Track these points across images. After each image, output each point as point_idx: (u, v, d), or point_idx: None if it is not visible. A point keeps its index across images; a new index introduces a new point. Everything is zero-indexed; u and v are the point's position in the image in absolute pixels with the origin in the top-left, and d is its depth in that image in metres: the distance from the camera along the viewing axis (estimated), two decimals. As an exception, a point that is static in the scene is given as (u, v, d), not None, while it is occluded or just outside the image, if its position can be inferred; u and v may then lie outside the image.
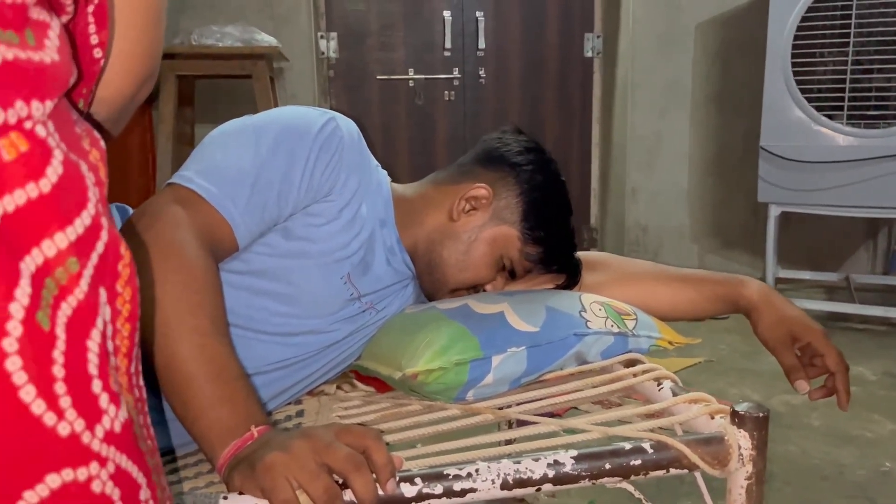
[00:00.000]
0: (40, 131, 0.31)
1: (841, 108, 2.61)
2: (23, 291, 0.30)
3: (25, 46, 0.31)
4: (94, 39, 0.41)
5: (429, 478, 0.61)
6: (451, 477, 0.62)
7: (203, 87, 3.20)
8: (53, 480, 0.31)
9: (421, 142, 3.64)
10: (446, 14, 3.54)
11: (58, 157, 0.32)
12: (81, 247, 0.33)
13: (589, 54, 3.67)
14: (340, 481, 0.57)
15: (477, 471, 0.63)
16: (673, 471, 0.67)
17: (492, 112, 3.66)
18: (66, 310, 0.32)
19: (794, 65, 2.66)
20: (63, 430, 0.31)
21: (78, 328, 0.32)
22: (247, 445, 0.60)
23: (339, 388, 0.98)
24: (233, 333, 0.76)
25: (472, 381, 0.84)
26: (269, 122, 0.86)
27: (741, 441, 0.68)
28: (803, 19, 2.63)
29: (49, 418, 0.31)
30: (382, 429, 0.79)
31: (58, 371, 0.31)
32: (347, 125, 0.91)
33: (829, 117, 2.63)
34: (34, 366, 0.30)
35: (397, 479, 0.59)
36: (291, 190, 0.83)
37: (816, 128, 2.65)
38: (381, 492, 0.58)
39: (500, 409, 0.84)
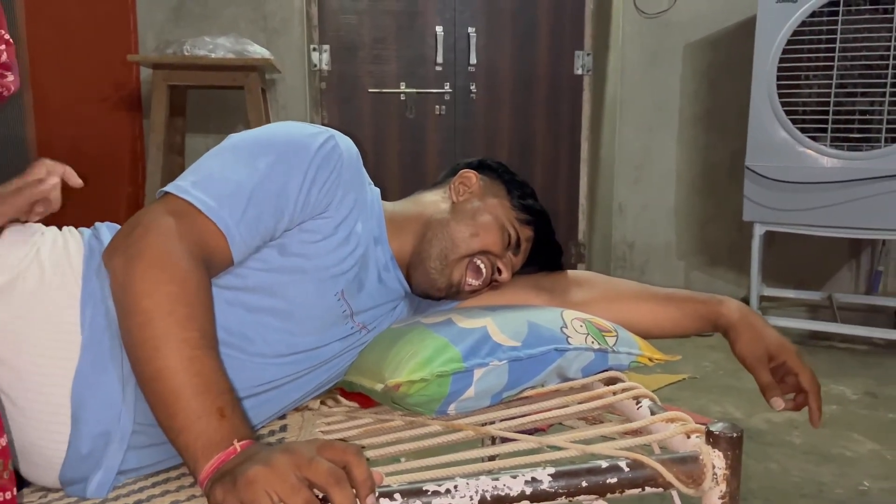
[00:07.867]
0: None
1: (825, 131, 2.65)
2: None
3: None
4: None
5: (408, 493, 0.62)
6: (429, 493, 0.63)
7: (194, 97, 3.20)
8: None
9: (412, 155, 3.65)
10: (438, 29, 3.57)
11: None
12: None
13: (579, 72, 3.70)
14: (321, 496, 0.58)
15: (455, 487, 0.64)
16: (648, 489, 0.68)
17: (482, 127, 3.68)
18: None
19: (779, 87, 2.70)
20: None
21: None
22: (230, 459, 0.61)
23: (322, 403, 0.98)
24: (225, 356, 0.76)
25: (454, 393, 0.85)
26: (269, 137, 0.87)
27: (715, 460, 0.69)
28: (789, 42, 2.67)
29: None
30: (364, 444, 0.80)
31: None
32: (346, 144, 0.93)
33: (814, 139, 2.67)
34: None
35: (377, 494, 0.60)
36: (288, 204, 0.84)
37: (801, 149, 2.69)
38: (360, 507, 0.59)
39: (482, 425, 0.85)
